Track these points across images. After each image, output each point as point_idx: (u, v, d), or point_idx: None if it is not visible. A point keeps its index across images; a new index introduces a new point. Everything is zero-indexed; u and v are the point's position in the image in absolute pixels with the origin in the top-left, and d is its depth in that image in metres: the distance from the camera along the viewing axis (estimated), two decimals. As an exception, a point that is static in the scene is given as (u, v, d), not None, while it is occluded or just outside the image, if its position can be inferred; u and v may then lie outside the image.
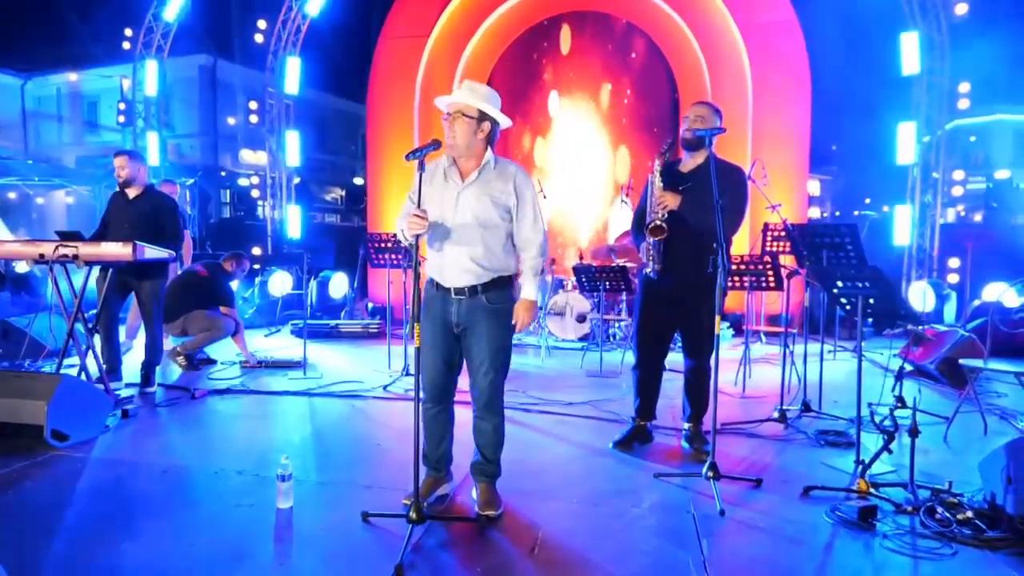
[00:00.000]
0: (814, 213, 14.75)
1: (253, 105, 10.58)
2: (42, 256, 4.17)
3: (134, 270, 4.71)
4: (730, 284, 4.63)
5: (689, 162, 3.62)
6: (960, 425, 4.05)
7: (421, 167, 2.59)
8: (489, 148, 2.82)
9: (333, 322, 8.08)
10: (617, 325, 7.49)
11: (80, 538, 2.60)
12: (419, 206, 2.57)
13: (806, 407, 4.42)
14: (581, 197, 9.62)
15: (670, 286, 3.54)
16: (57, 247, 4.14)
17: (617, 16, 9.28)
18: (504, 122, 2.85)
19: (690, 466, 3.49)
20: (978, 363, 4.13)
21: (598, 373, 5.87)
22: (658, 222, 3.38)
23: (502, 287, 2.83)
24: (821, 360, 4.62)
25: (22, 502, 2.92)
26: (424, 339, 2.81)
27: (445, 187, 2.80)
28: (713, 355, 3.71)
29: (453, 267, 2.77)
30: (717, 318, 3.11)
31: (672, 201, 3.37)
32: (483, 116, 2.76)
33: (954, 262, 8.33)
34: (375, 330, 7.87)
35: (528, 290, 2.89)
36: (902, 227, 8.52)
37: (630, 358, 6.26)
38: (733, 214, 3.41)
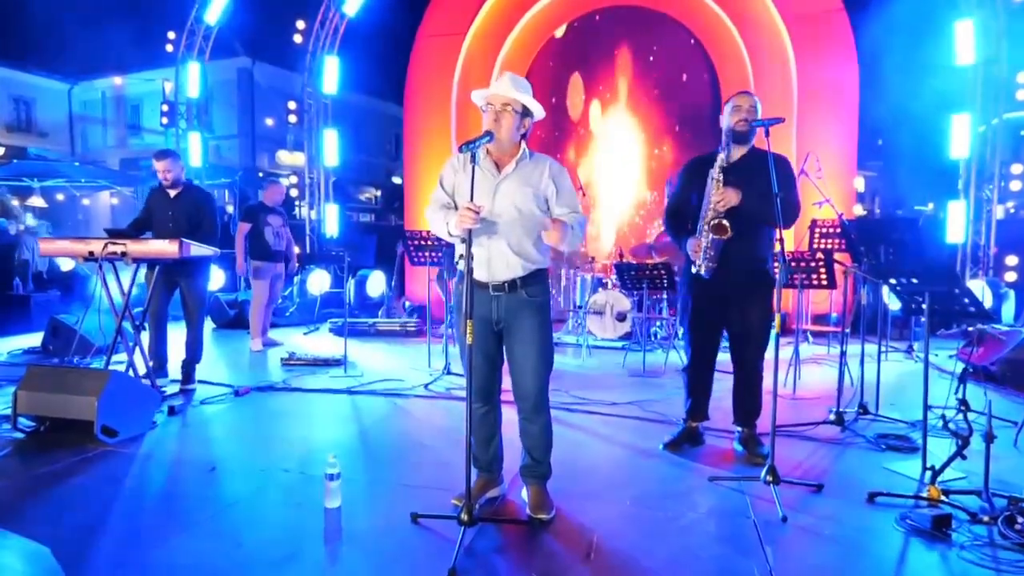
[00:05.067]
0: (857, 210, 14.35)
1: (292, 105, 10.67)
2: (91, 253, 4.22)
3: (178, 267, 4.74)
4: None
5: (732, 154, 3.47)
6: (1030, 430, 3.84)
7: (474, 159, 2.53)
8: (523, 140, 2.77)
9: (371, 320, 8.09)
10: (658, 324, 7.35)
11: (132, 534, 2.60)
12: (471, 200, 2.50)
13: (863, 409, 4.25)
14: (620, 194, 9.48)
15: (722, 284, 3.41)
16: (106, 245, 4.19)
17: (655, 10, 9.11)
18: (539, 113, 2.79)
19: (744, 469, 3.37)
20: (1049, 364, 3.92)
21: (641, 373, 5.75)
22: (722, 221, 3.24)
23: (540, 280, 2.78)
24: (879, 361, 4.44)
25: (73, 497, 2.94)
26: (464, 337, 2.74)
27: (480, 178, 2.67)
28: (767, 354, 3.63)
29: (493, 261, 2.70)
30: (777, 316, 2.98)
31: (735, 198, 3.23)
32: (526, 111, 2.72)
33: (1012, 259, 7.97)
34: (412, 328, 7.86)
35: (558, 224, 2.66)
36: (956, 223, 8.18)
37: (673, 358, 6.18)
38: (788, 205, 3.26)
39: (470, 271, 2.50)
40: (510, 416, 2.91)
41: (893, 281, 3.29)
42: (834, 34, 8.04)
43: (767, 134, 3.18)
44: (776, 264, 3.11)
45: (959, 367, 5.61)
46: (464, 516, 2.45)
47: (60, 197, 17.65)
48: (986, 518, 2.69)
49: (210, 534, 2.59)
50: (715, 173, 3.35)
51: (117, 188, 16.94)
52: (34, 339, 6.94)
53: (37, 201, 14.32)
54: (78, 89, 24.86)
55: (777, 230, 2.95)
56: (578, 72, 9.54)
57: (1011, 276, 7.94)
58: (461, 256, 2.53)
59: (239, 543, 2.51)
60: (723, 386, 3.94)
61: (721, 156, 3.37)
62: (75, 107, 25.03)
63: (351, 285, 9.25)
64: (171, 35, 10.88)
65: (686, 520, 2.75)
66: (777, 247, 2.94)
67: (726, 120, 3.40)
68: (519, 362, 2.77)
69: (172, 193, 4.99)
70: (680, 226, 3.54)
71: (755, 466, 3.37)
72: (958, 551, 2.46)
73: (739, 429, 3.65)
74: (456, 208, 2.74)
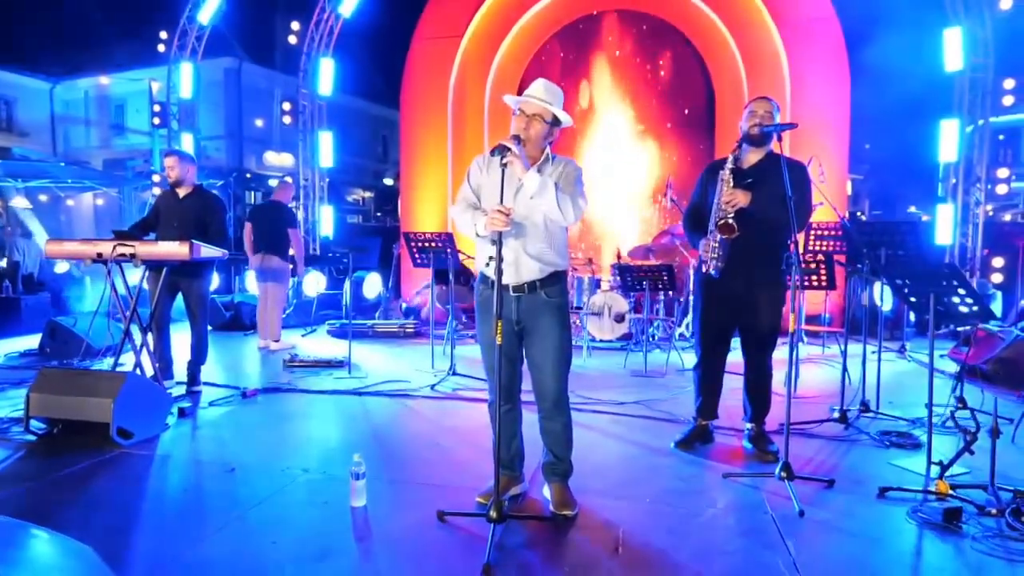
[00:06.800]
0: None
1: (287, 106, 10.62)
2: (100, 255, 4.20)
3: (182, 269, 4.72)
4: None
5: (750, 157, 3.58)
6: (1026, 426, 3.96)
7: (503, 165, 2.57)
8: (548, 146, 2.85)
9: (370, 322, 8.09)
10: (655, 324, 7.43)
11: (165, 534, 2.62)
12: (501, 202, 2.55)
13: (864, 407, 4.36)
14: (617, 197, 9.56)
15: (734, 284, 3.49)
16: (115, 246, 4.17)
17: (651, 14, 9.22)
18: (567, 122, 2.86)
19: (756, 466, 3.45)
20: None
21: (643, 373, 5.83)
22: (729, 220, 3.33)
23: (558, 281, 2.84)
24: (879, 360, 4.56)
25: (99, 499, 2.95)
26: (487, 338, 2.80)
27: (504, 179, 2.68)
28: (775, 353, 3.72)
29: (513, 262, 2.75)
30: (792, 316, 3.06)
31: (743, 199, 3.33)
32: (555, 120, 2.78)
33: (998, 261, 8.16)
34: (411, 330, 7.87)
35: (533, 172, 2.64)
36: (944, 226, 8.36)
37: (674, 358, 6.26)
38: (802, 209, 3.37)
39: (500, 273, 2.55)
40: (527, 416, 2.96)
41: (899, 282, 3.39)
42: (826, 41, 8.19)
43: (779, 139, 3.28)
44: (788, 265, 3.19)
45: (953, 367, 5.77)
46: (493, 513, 2.50)
47: (43, 198, 17.39)
48: (993, 511, 2.78)
49: (243, 533, 2.62)
50: (724, 174, 3.44)
51: (103, 189, 16.75)
52: (26, 342, 6.88)
53: (21, 202, 14.11)
54: (60, 88, 24.50)
55: (791, 232, 3.04)
56: (573, 75, 9.62)
57: (997, 277, 8.13)
58: (491, 258, 2.57)
59: (274, 541, 2.53)
60: (728, 385, 4.04)
61: (731, 157, 3.46)
62: (57, 107, 24.66)
63: (347, 286, 9.25)
64: (163, 35, 10.79)
65: (706, 516, 2.82)
66: (792, 248, 3.03)
67: (742, 124, 3.50)
68: (539, 362, 2.83)
69: (181, 193, 4.96)
70: (697, 227, 3.63)
71: (766, 463, 3.46)
72: (971, 542, 2.55)
73: (748, 427, 3.73)
74: (479, 207, 2.80)
